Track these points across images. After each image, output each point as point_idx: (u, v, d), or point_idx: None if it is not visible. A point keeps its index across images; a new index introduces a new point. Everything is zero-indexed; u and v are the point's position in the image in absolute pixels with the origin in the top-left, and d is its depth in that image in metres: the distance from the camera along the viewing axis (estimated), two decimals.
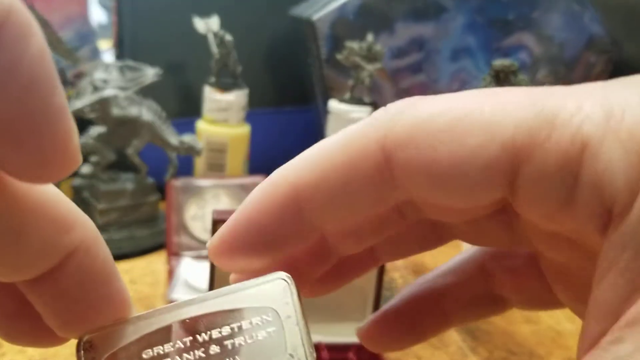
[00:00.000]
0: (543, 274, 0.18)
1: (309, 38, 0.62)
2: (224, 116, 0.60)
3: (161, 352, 0.15)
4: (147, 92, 0.55)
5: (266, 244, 0.16)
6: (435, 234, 0.20)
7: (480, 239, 0.19)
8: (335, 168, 0.16)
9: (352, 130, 0.16)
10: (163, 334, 0.16)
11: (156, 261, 0.54)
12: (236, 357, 0.15)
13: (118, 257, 0.51)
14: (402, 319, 0.21)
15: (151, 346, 0.15)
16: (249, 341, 0.15)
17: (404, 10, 0.59)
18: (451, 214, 0.17)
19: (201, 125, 0.61)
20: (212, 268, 0.36)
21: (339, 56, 0.55)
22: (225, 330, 0.16)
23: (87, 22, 0.70)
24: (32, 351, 0.39)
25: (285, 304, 0.16)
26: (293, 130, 0.70)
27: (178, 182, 0.55)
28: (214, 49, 0.59)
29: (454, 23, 0.60)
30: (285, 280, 0.16)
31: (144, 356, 0.15)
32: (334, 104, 0.54)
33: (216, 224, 0.36)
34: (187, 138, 0.56)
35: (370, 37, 0.54)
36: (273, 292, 0.16)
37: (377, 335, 0.21)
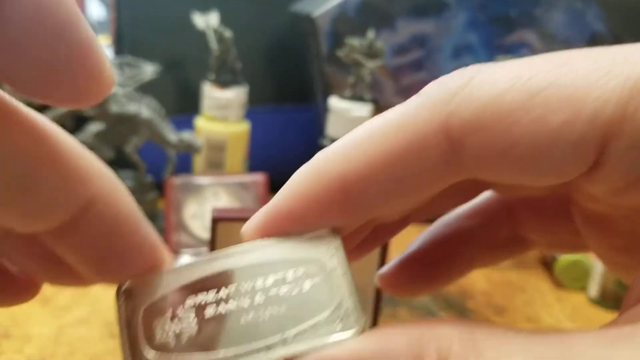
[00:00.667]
0: (572, 217, 0.18)
1: (309, 35, 0.62)
2: (223, 113, 0.60)
3: (205, 301, 0.15)
4: (145, 89, 0.55)
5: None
6: (475, 192, 0.19)
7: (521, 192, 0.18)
8: (390, 157, 0.14)
9: (403, 112, 0.14)
10: (206, 283, 0.15)
11: None
12: (282, 306, 0.15)
13: None
14: (426, 263, 0.20)
15: (195, 294, 0.15)
16: (294, 291, 0.15)
17: (405, 7, 0.59)
18: (521, 190, 0.16)
19: (200, 122, 0.61)
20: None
21: (340, 53, 0.54)
22: (270, 280, 0.15)
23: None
24: (30, 349, 0.39)
25: (330, 256, 0.15)
26: (293, 128, 0.70)
27: (177, 180, 0.55)
28: (214, 45, 0.59)
29: (456, 20, 0.59)
30: (330, 234, 0.16)
31: (188, 304, 0.15)
32: (334, 102, 0.54)
33: (215, 222, 0.36)
34: (186, 135, 0.56)
35: (371, 34, 0.54)
36: (318, 245, 0.16)
37: (399, 280, 0.20)
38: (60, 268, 0.16)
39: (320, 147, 0.56)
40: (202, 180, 0.56)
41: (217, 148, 0.61)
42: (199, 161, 0.61)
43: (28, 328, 0.41)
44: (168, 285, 0.15)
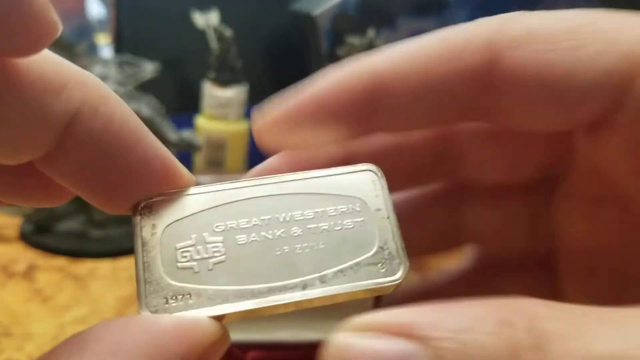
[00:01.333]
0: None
1: (309, 33, 0.62)
2: (223, 112, 0.60)
3: (235, 227, 0.14)
4: (145, 87, 0.55)
5: (331, 125, 0.15)
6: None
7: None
8: (431, 61, 0.14)
9: (453, 28, 0.14)
10: (238, 208, 0.14)
11: None
12: (320, 241, 0.14)
13: (117, 253, 0.51)
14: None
15: (224, 219, 0.14)
16: (334, 228, 0.14)
17: (406, 5, 0.59)
18: (532, 129, 0.15)
19: (200, 121, 0.61)
20: None
21: (340, 52, 0.54)
22: (309, 213, 0.14)
23: (85, 17, 0.69)
24: (30, 348, 0.39)
25: (374, 196, 0.15)
26: None
27: None
28: (214, 44, 0.59)
29: (456, 18, 0.59)
30: (374, 173, 0.15)
31: (216, 229, 0.14)
32: None
33: None
34: (186, 134, 0.56)
35: (371, 33, 0.54)
36: (362, 183, 0.15)
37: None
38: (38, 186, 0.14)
39: None
40: (203, 178, 0.56)
41: (217, 146, 0.61)
42: (199, 160, 0.62)
43: (28, 327, 0.41)
44: (193, 206, 0.14)
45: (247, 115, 0.62)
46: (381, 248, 0.14)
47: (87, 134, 0.12)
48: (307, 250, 0.14)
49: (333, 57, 0.59)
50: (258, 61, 0.69)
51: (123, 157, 0.13)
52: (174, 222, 0.14)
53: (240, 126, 0.61)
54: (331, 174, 0.15)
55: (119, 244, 0.53)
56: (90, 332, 0.12)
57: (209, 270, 0.13)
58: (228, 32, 0.59)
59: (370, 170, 0.15)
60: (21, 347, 0.39)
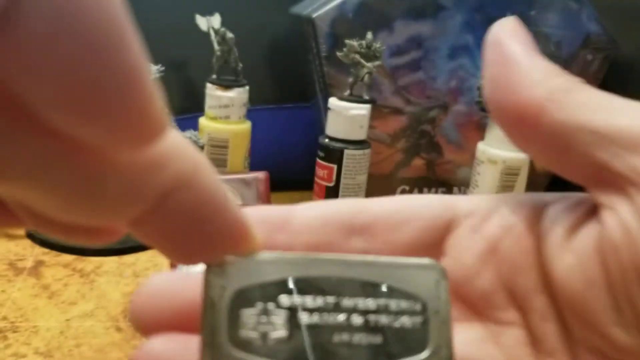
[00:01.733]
0: None
1: (309, 36, 0.63)
2: (225, 113, 0.61)
3: (301, 304, 0.14)
4: None
5: None
6: None
7: None
8: None
9: None
10: (305, 284, 0.14)
11: (160, 255, 0.54)
12: (377, 336, 0.14)
13: (122, 251, 0.51)
14: None
15: (290, 293, 0.14)
16: (393, 324, 0.14)
17: (403, 8, 0.60)
18: None
19: (203, 121, 0.62)
20: None
21: (339, 54, 0.55)
22: (371, 304, 0.14)
23: None
24: (37, 342, 0.40)
25: (436, 297, 0.14)
26: (293, 127, 0.71)
27: None
28: (216, 46, 0.60)
29: (453, 21, 0.60)
30: (439, 272, 0.15)
31: (281, 303, 0.14)
32: (334, 101, 0.55)
33: None
34: (189, 134, 0.57)
35: (369, 35, 0.55)
36: (425, 282, 0.14)
37: None
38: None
39: (319, 146, 0.57)
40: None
41: (219, 146, 0.61)
42: None
43: (35, 321, 0.42)
44: (262, 274, 0.14)
45: (249, 116, 0.63)
46: (434, 352, 0.14)
47: (178, 205, 0.12)
48: (364, 341, 0.14)
49: (332, 59, 0.60)
50: (259, 63, 0.69)
51: (209, 225, 0.13)
52: (242, 287, 0.14)
53: (242, 127, 0.62)
54: (398, 264, 0.15)
55: (124, 241, 0.54)
56: None
57: (270, 343, 0.13)
58: (230, 35, 0.60)
59: (435, 269, 0.15)
60: (28, 342, 0.40)
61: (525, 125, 0.17)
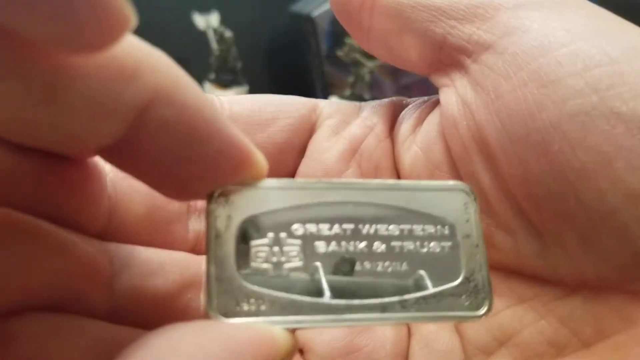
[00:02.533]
0: None
1: (308, 34, 0.62)
2: None
3: (316, 232, 0.13)
4: None
5: None
6: None
7: None
8: None
9: None
10: (320, 211, 0.13)
11: None
12: (404, 263, 0.13)
13: None
14: None
15: (304, 222, 0.13)
16: (420, 250, 0.13)
17: None
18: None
19: None
20: None
21: (339, 53, 0.55)
22: (394, 230, 0.13)
23: None
24: None
25: (465, 221, 0.13)
26: None
27: None
28: (214, 45, 0.59)
29: None
30: (467, 194, 0.14)
31: (295, 231, 0.13)
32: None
33: None
34: None
35: None
36: (453, 204, 0.13)
37: None
38: None
39: None
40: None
41: None
42: None
43: None
44: (272, 201, 0.13)
45: None
46: (467, 279, 0.13)
47: (159, 124, 0.11)
48: (389, 270, 0.13)
49: (333, 58, 0.59)
50: (258, 62, 0.69)
51: (197, 148, 0.12)
52: (250, 216, 0.13)
53: None
54: (422, 187, 0.14)
55: None
56: (158, 340, 0.11)
57: (284, 276, 0.12)
58: (228, 34, 0.59)
59: (463, 191, 0.14)
60: None
61: (364, 12, 0.17)
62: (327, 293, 0.12)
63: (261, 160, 0.13)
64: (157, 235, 0.16)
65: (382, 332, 0.17)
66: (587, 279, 0.16)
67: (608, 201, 0.14)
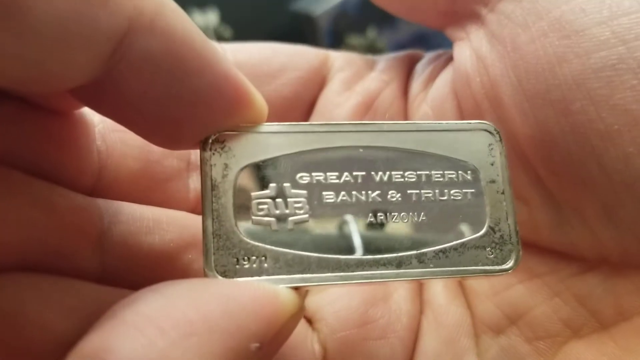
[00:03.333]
0: None
1: (309, 34, 0.62)
2: None
3: (323, 180, 0.12)
4: None
5: None
6: None
7: None
8: None
9: None
10: (327, 158, 0.12)
11: None
12: (421, 212, 0.12)
13: None
14: None
15: (310, 170, 0.12)
16: (440, 197, 0.12)
17: None
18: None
19: None
20: None
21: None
22: (411, 176, 0.12)
23: None
24: None
25: (489, 164, 0.12)
26: None
27: None
28: None
29: None
30: (492, 134, 0.12)
31: (300, 180, 0.12)
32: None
33: None
34: None
35: (372, 33, 0.54)
36: (476, 146, 0.12)
37: None
38: None
39: None
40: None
41: None
42: None
43: None
44: (274, 147, 0.12)
45: None
46: (492, 229, 0.12)
47: (141, 56, 0.10)
48: (405, 220, 0.12)
49: None
50: None
51: (187, 84, 0.10)
52: (250, 164, 0.11)
53: None
54: (440, 128, 0.12)
55: None
56: (149, 297, 0.10)
57: (289, 230, 0.11)
58: (227, 32, 0.59)
59: (487, 131, 0.12)
60: None
61: None
62: (337, 248, 0.11)
63: (260, 101, 0.11)
64: (154, 193, 0.15)
65: (397, 304, 0.16)
66: (608, 253, 0.15)
67: (634, 166, 0.13)
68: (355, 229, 0.11)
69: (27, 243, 0.12)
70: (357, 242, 0.11)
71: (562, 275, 0.16)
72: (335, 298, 0.16)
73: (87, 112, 0.13)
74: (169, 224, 0.14)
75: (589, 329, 0.15)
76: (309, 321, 0.16)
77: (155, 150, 0.14)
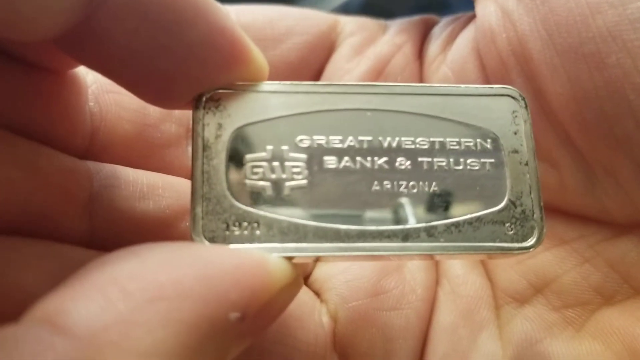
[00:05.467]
0: None
1: None
2: None
3: (325, 144, 0.11)
4: None
5: None
6: None
7: None
8: None
9: None
10: (330, 120, 0.11)
11: None
12: (432, 182, 0.11)
13: None
14: None
15: (311, 132, 0.11)
16: (455, 167, 0.11)
17: (408, 6, 0.59)
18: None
19: None
20: None
21: None
22: (422, 142, 0.11)
23: None
24: None
25: (512, 133, 0.11)
26: None
27: None
28: None
29: None
30: (516, 100, 0.11)
31: (300, 143, 0.11)
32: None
33: None
34: None
35: None
36: (498, 112, 0.11)
37: None
38: None
39: None
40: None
41: None
42: None
43: None
44: (272, 108, 0.11)
45: None
46: (512, 203, 0.11)
47: (126, 1, 0.09)
48: (414, 190, 0.11)
49: None
50: None
51: (178, 35, 0.09)
52: (245, 125, 0.11)
53: None
54: (459, 92, 0.11)
55: None
56: (122, 257, 0.09)
57: (285, 195, 0.10)
58: None
59: (511, 97, 0.11)
60: None
61: None
62: (337, 217, 0.10)
63: (260, 58, 0.10)
64: (150, 160, 0.14)
65: (412, 274, 0.15)
66: None
67: None
68: (359, 198, 0.10)
69: (7, 203, 0.11)
70: (359, 211, 0.10)
71: (592, 241, 0.15)
72: (347, 267, 0.15)
73: (80, 71, 0.13)
74: (165, 190, 0.13)
75: (623, 295, 0.14)
76: (317, 293, 0.15)
77: (152, 113, 0.13)
